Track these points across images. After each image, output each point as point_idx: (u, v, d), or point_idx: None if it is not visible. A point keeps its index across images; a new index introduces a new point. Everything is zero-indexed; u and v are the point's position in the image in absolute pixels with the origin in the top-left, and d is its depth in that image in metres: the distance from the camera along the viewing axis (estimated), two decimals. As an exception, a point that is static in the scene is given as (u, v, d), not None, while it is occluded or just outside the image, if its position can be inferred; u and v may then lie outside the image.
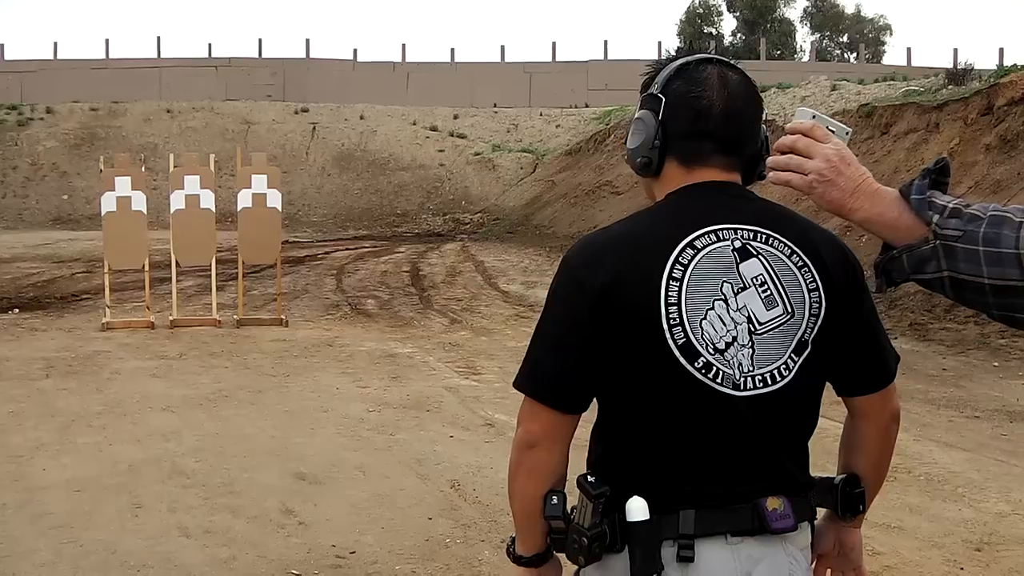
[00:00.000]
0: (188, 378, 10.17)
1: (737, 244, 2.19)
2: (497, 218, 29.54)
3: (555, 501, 2.25)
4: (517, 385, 2.28)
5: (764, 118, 2.40)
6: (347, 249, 23.53)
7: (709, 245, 2.18)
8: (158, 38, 50.10)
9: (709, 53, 2.40)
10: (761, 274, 2.19)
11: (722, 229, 2.20)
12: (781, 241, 2.22)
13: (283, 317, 13.46)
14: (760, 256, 2.20)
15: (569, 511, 2.25)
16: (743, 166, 2.33)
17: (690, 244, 2.17)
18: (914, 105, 18.24)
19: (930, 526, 6.15)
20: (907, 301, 13.57)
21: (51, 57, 41.16)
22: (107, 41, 44.50)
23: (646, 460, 2.23)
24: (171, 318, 13.18)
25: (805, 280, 2.21)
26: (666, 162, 2.31)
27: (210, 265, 13.69)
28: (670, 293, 2.14)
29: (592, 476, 2.20)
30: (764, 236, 2.21)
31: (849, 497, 2.42)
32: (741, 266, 2.18)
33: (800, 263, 2.22)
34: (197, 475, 7.07)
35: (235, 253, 14.27)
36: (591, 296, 2.18)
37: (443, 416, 8.75)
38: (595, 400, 2.33)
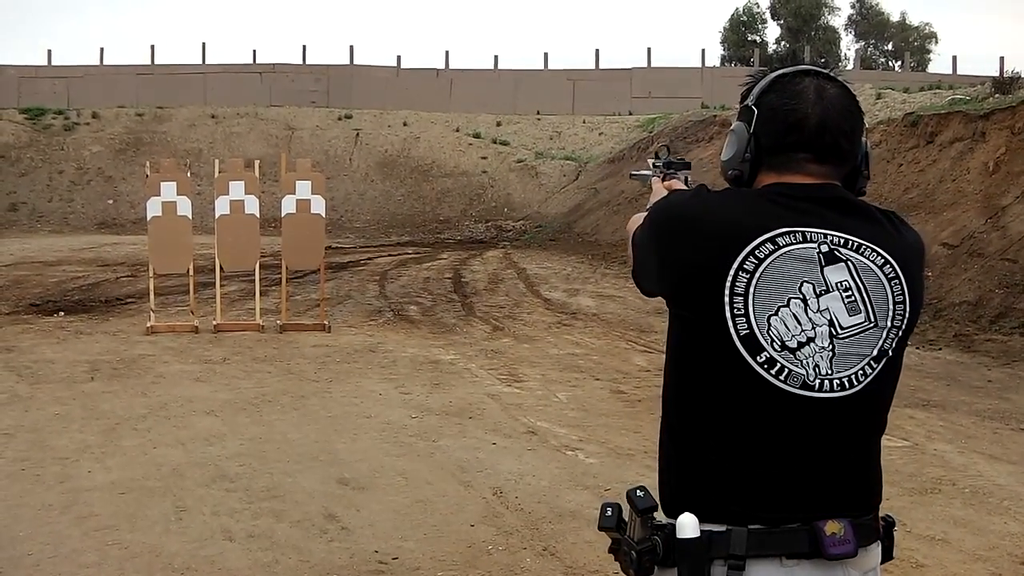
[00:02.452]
0: (232, 382, 10.22)
1: (824, 248, 2.17)
2: (539, 225, 29.48)
3: (609, 513, 2.25)
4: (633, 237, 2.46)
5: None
6: (390, 255, 23.56)
7: (792, 244, 2.16)
8: (203, 44, 50.59)
9: (812, 64, 2.36)
10: (846, 280, 2.17)
11: (811, 231, 2.18)
12: (874, 251, 2.20)
13: (326, 322, 13.49)
14: (848, 263, 2.17)
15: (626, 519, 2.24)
16: (842, 177, 2.29)
17: (771, 240, 2.15)
18: (960, 114, 18.07)
19: (975, 539, 6.10)
20: (952, 312, 13.47)
21: (97, 63, 41.45)
22: (152, 47, 44.90)
23: (704, 460, 2.21)
24: (215, 322, 13.24)
25: (894, 292, 2.20)
26: (759, 174, 2.30)
27: (254, 270, 13.75)
28: (737, 283, 2.13)
29: (641, 491, 2.19)
30: (855, 244, 2.19)
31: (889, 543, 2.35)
32: (826, 270, 2.16)
33: (892, 275, 2.20)
34: (240, 479, 7.10)
35: (279, 258, 14.31)
36: (661, 266, 2.28)
37: (485, 423, 8.75)
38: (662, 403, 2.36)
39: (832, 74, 2.32)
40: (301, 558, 5.70)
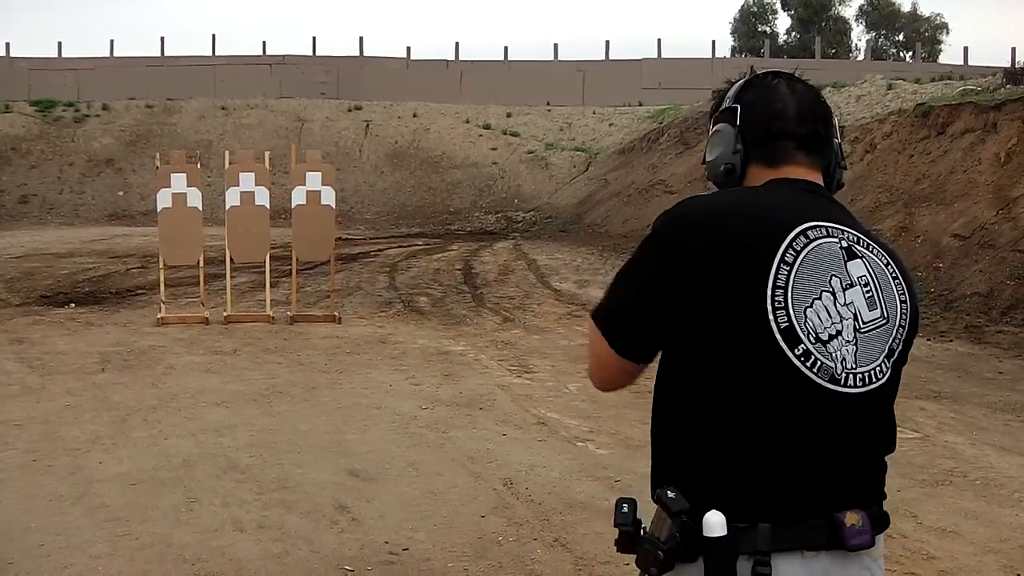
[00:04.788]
0: (242, 374, 10.23)
1: (844, 244, 2.22)
2: (550, 216, 29.45)
3: (625, 509, 2.23)
4: (594, 315, 2.34)
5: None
6: (400, 246, 23.57)
7: (821, 238, 2.20)
8: (213, 36, 50.45)
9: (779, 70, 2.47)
10: (865, 275, 2.21)
11: (831, 226, 2.22)
12: (879, 250, 2.26)
13: (336, 314, 13.51)
14: (864, 259, 2.23)
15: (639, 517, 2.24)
16: (824, 169, 2.36)
17: (803, 233, 2.19)
18: (971, 105, 18.00)
19: (986, 531, 6.09)
20: (963, 304, 13.45)
21: (107, 55, 41.49)
22: (162, 39, 44.86)
23: (729, 450, 2.21)
24: (225, 314, 13.26)
25: (897, 291, 2.25)
26: (749, 167, 2.35)
27: (264, 262, 13.76)
28: (779, 276, 2.15)
29: (672, 492, 2.18)
30: (866, 243, 2.25)
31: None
32: (848, 264, 2.21)
33: (894, 274, 2.26)
34: (251, 470, 7.11)
35: (289, 250, 14.32)
36: (683, 266, 2.19)
37: (495, 414, 8.76)
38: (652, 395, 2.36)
39: (796, 75, 2.43)
40: (311, 549, 5.70)
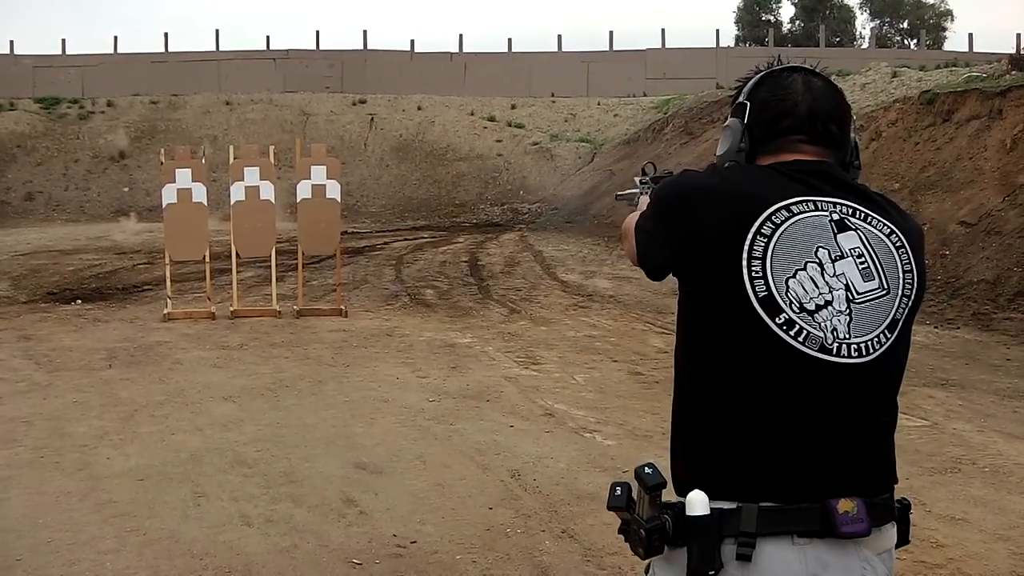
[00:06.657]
0: (249, 368, 10.23)
1: (835, 217, 2.22)
2: (555, 208, 29.41)
3: (618, 492, 2.22)
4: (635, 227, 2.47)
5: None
6: (406, 239, 23.56)
7: (806, 213, 2.20)
8: (216, 31, 50.54)
9: (799, 63, 2.45)
10: (858, 247, 2.20)
11: (821, 200, 2.23)
12: (880, 220, 2.24)
13: (342, 307, 13.50)
14: (858, 231, 2.21)
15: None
16: (837, 163, 2.36)
17: (785, 208, 2.20)
18: (976, 91, 17.92)
19: (995, 518, 6.07)
20: (970, 290, 13.41)
21: (112, 51, 41.48)
22: (166, 35, 44.65)
23: (717, 434, 2.20)
24: (231, 309, 13.27)
25: (901, 260, 2.23)
26: (757, 160, 2.37)
27: (270, 256, 13.76)
28: (755, 248, 2.16)
29: (649, 468, 2.17)
30: (863, 214, 2.24)
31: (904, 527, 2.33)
32: (839, 236, 2.20)
33: (898, 244, 2.24)
34: (258, 464, 7.11)
35: (295, 244, 14.32)
36: (675, 237, 2.27)
37: (503, 406, 8.75)
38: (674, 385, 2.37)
39: (817, 70, 2.42)
40: (319, 543, 5.70)
